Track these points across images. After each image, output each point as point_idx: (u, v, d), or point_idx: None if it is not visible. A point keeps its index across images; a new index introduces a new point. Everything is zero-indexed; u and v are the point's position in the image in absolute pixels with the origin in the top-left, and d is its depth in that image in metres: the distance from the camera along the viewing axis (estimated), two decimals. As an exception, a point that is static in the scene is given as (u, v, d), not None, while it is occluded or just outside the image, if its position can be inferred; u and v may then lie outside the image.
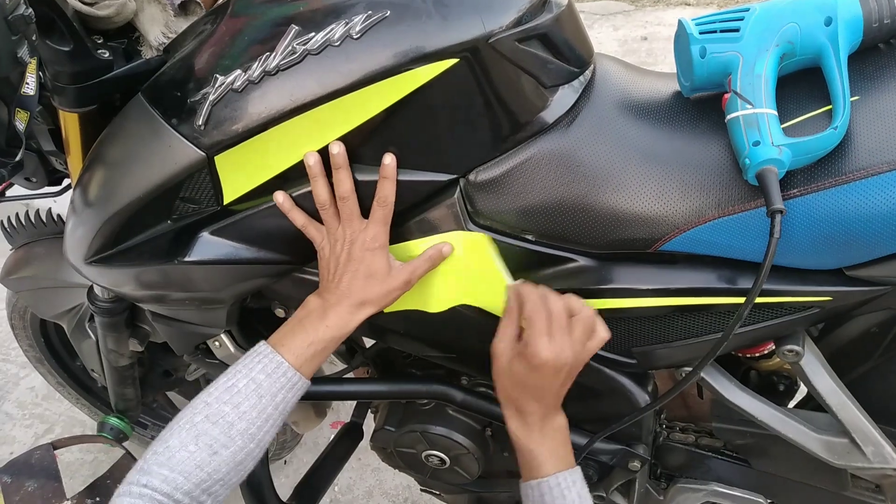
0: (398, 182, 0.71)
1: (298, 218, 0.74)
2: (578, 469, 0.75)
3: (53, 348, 1.57)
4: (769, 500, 0.97)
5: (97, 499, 1.23)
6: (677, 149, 0.70)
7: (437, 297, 0.78)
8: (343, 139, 0.68)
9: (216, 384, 0.70)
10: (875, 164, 0.62)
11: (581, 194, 0.71)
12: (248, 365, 0.71)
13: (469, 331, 0.80)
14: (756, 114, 0.64)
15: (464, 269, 0.76)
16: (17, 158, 0.74)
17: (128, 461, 1.30)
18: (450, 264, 0.75)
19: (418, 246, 0.75)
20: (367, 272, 0.73)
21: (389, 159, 0.70)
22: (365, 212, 0.73)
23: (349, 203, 0.71)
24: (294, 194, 0.73)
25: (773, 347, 0.79)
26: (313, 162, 0.69)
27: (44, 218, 1.20)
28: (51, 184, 1.02)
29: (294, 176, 0.71)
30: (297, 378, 0.71)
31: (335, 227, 0.73)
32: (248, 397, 0.69)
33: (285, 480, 1.67)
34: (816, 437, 0.83)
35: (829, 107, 0.65)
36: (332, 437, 1.18)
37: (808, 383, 0.79)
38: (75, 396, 1.65)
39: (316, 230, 0.75)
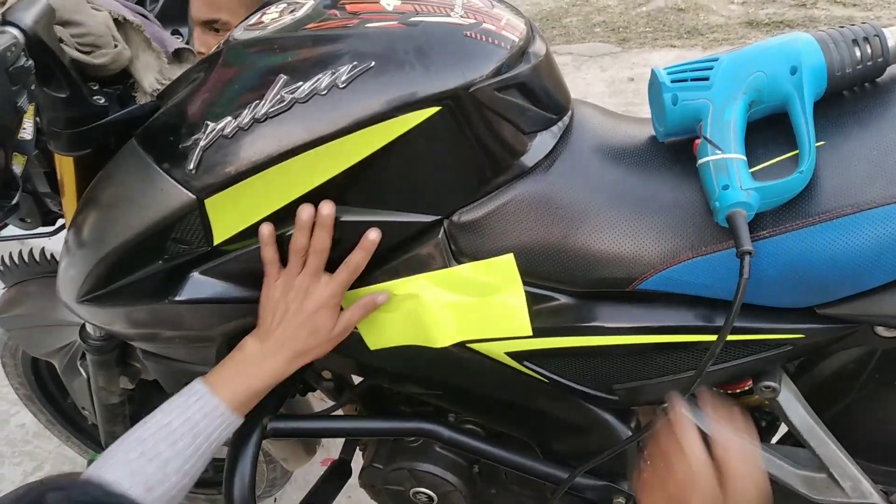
0: (384, 223, 0.73)
1: (269, 253, 0.75)
2: None
3: (44, 386, 1.57)
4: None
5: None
6: (652, 191, 0.73)
7: (443, 332, 0.79)
8: (329, 183, 0.70)
9: (150, 422, 0.73)
10: (840, 207, 0.65)
11: (560, 235, 0.73)
12: (185, 404, 0.73)
13: (461, 369, 0.82)
14: (725, 159, 0.67)
15: (478, 301, 0.77)
16: (14, 202, 0.76)
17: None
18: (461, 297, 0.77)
19: (406, 283, 0.77)
20: (314, 327, 0.76)
21: (374, 234, 0.73)
22: (337, 258, 0.74)
23: (320, 258, 0.74)
24: (280, 234, 0.74)
25: (752, 384, 0.81)
26: (305, 217, 0.71)
27: (37, 257, 1.22)
28: (45, 224, 1.04)
29: (280, 218, 0.73)
30: (233, 418, 0.75)
31: (295, 274, 0.75)
32: (183, 436, 0.71)
33: (274, 518, 1.66)
34: (796, 472, 0.84)
35: (796, 152, 0.68)
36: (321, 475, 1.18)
37: (785, 419, 0.80)
38: (65, 434, 1.64)
39: (278, 270, 0.76)
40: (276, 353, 0.76)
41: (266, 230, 0.74)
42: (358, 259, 0.74)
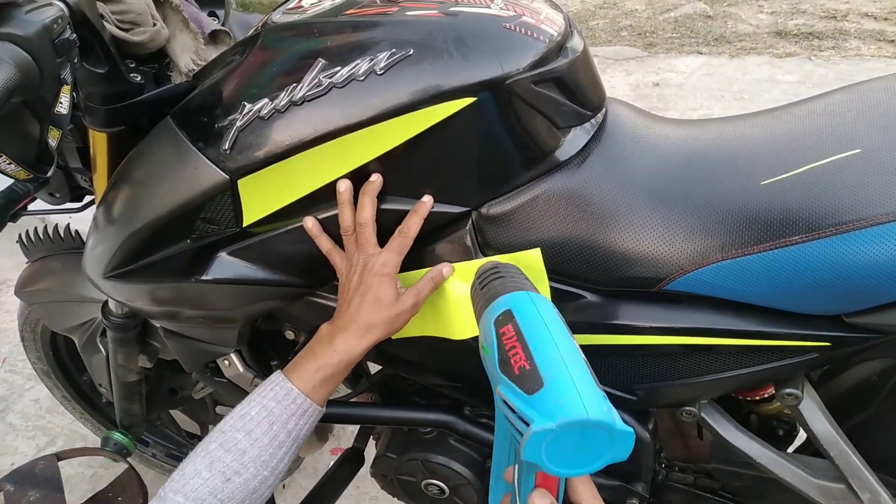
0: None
1: (325, 244, 0.76)
2: None
3: (62, 362, 1.58)
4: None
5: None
6: (683, 192, 0.72)
7: (463, 325, 0.79)
8: (361, 169, 0.71)
9: (232, 413, 0.72)
10: (875, 216, 0.64)
11: (589, 232, 0.73)
12: (261, 393, 0.72)
13: (477, 361, 0.82)
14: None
15: None
16: (48, 174, 0.77)
17: (130, 476, 1.31)
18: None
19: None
20: (375, 297, 0.74)
21: (427, 199, 0.73)
22: (383, 239, 0.75)
23: (367, 230, 0.74)
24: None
25: (773, 391, 0.81)
26: (344, 188, 0.72)
27: (61, 233, 1.23)
28: (72, 200, 1.05)
29: (312, 202, 0.73)
30: (307, 404, 0.72)
31: (353, 252, 0.75)
32: (259, 424, 0.70)
33: (282, 504, 1.67)
34: (814, 482, 0.83)
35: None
36: (332, 463, 1.18)
37: (806, 428, 0.80)
38: (79, 411, 1.65)
39: (339, 257, 0.77)
40: (343, 331, 0.74)
41: (310, 223, 0.75)
42: (412, 224, 0.73)
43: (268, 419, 0.70)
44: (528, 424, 0.47)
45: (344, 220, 0.74)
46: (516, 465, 0.56)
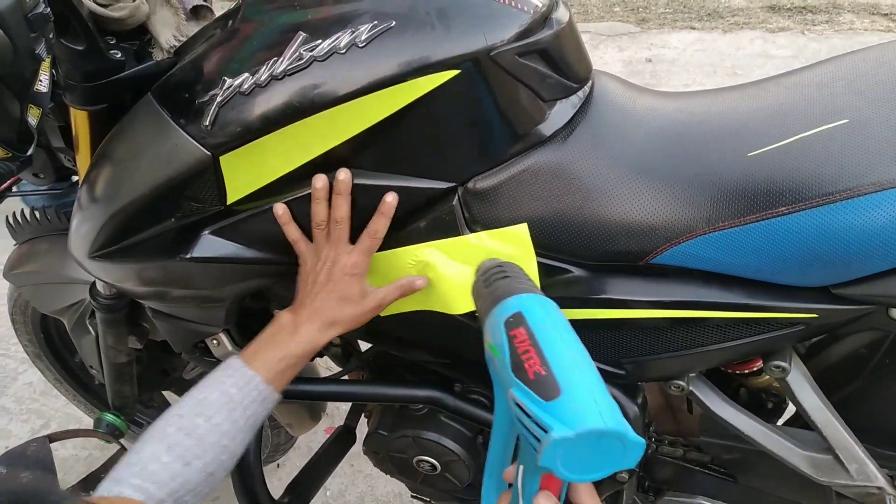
0: (399, 188, 0.73)
1: (292, 232, 0.76)
2: None
3: (53, 344, 1.58)
4: (755, 516, 0.98)
5: (90, 493, 1.24)
6: (670, 164, 0.72)
7: (461, 299, 0.78)
8: (344, 145, 0.70)
9: (188, 398, 0.72)
10: (862, 185, 0.64)
11: (575, 206, 0.72)
12: (220, 378, 0.73)
13: (469, 338, 0.82)
14: None
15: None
16: (29, 153, 0.76)
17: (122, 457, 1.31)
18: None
19: (417, 251, 0.77)
20: (342, 295, 0.76)
21: (391, 198, 0.73)
22: (357, 224, 0.75)
23: (341, 227, 0.74)
24: (292, 198, 0.74)
25: (761, 364, 0.81)
26: (320, 185, 0.72)
27: (48, 215, 1.22)
28: (57, 181, 1.04)
29: (295, 179, 0.72)
30: (268, 391, 0.74)
31: (322, 246, 0.76)
32: (219, 410, 0.70)
33: (277, 483, 1.68)
34: (802, 453, 0.84)
35: None
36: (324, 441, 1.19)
37: (794, 400, 0.80)
38: (72, 393, 1.66)
39: (306, 246, 0.77)
40: (307, 323, 0.76)
41: (280, 210, 0.74)
42: (378, 225, 0.74)
43: (227, 405, 0.71)
44: (545, 431, 0.48)
45: (317, 213, 0.74)
46: (520, 466, 0.57)
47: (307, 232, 0.77)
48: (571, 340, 0.56)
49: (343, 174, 0.72)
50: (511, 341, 0.55)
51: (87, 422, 1.78)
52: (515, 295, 0.59)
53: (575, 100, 0.76)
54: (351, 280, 0.76)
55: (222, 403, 0.71)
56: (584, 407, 0.49)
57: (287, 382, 0.77)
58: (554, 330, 0.56)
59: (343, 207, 0.73)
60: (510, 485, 0.58)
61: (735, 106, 0.76)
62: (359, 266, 0.76)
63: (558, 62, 0.72)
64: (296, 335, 0.76)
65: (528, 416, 0.51)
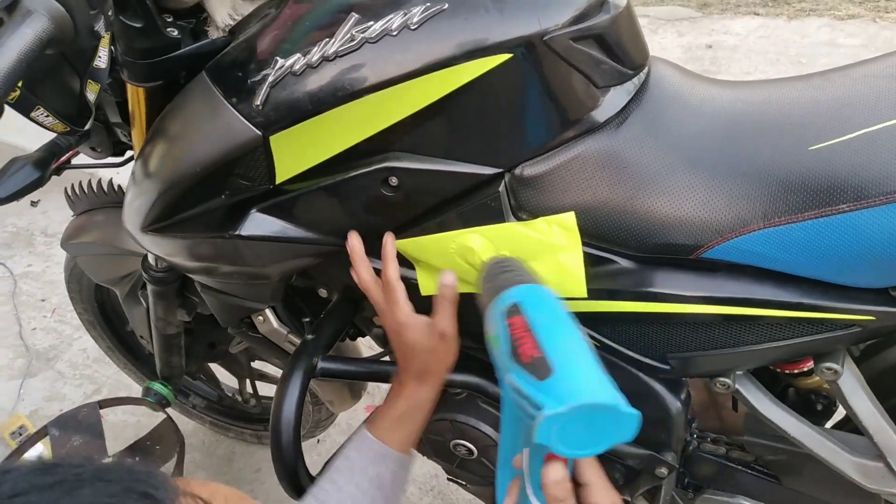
0: (446, 172, 0.72)
1: (365, 276, 0.82)
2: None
3: (106, 313, 1.63)
4: (798, 520, 0.96)
5: (136, 458, 1.28)
6: (726, 156, 0.70)
7: None
8: (393, 128, 0.70)
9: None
10: (929, 185, 0.61)
11: (626, 196, 0.71)
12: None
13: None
14: None
15: (534, 259, 0.76)
16: (87, 127, 0.78)
17: (167, 426, 1.35)
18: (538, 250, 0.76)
19: (461, 237, 0.76)
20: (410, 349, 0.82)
21: (450, 279, 0.78)
22: (405, 209, 0.76)
23: (396, 291, 0.80)
24: (339, 180, 0.74)
25: (812, 365, 0.78)
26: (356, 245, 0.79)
27: (105, 187, 1.25)
28: (114, 154, 1.06)
29: (343, 161, 0.73)
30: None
31: (381, 304, 0.82)
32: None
33: (317, 458, 1.71)
34: (851, 459, 0.81)
35: None
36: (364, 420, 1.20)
37: (845, 404, 0.78)
38: (123, 361, 1.71)
39: (376, 293, 0.83)
40: (406, 383, 0.84)
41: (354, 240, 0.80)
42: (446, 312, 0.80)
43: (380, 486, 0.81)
44: (539, 409, 0.50)
45: (366, 287, 0.81)
46: (526, 451, 0.58)
47: (348, 208, 0.78)
48: (566, 324, 0.58)
49: (389, 239, 0.78)
50: (508, 329, 0.58)
51: (136, 389, 1.84)
52: (513, 286, 0.62)
53: (630, 87, 0.74)
54: (410, 333, 0.80)
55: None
56: (576, 383, 0.51)
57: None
58: (549, 316, 0.58)
59: (393, 271, 0.79)
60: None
61: (798, 97, 0.73)
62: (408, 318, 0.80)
63: (614, 48, 0.70)
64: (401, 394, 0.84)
65: (524, 397, 0.53)
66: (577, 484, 0.59)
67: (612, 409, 0.49)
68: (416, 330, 0.80)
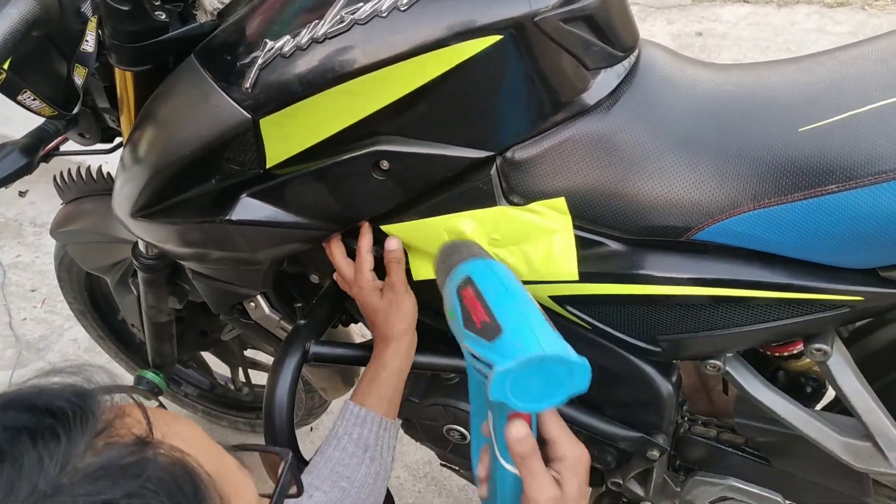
0: (436, 156, 0.72)
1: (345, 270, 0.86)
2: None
3: (96, 302, 1.62)
4: (787, 500, 0.97)
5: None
6: (716, 138, 0.70)
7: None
8: (384, 110, 0.69)
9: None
10: (917, 165, 0.61)
11: (616, 179, 0.71)
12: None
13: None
14: None
15: (526, 243, 0.76)
16: (75, 112, 0.78)
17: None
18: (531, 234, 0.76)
19: (452, 220, 0.76)
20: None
21: (394, 244, 0.81)
22: (392, 189, 0.76)
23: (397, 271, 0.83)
24: (331, 162, 0.74)
25: (802, 346, 0.79)
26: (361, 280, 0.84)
27: (94, 174, 1.24)
28: (103, 141, 1.06)
29: (333, 144, 0.72)
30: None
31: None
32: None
33: (310, 445, 1.71)
34: (839, 439, 0.82)
35: None
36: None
37: (834, 384, 0.78)
38: (114, 350, 1.70)
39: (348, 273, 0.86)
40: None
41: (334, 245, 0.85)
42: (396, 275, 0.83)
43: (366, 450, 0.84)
44: (491, 367, 0.52)
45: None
46: (490, 415, 0.60)
47: (339, 193, 0.78)
48: (514, 290, 0.60)
49: (396, 245, 0.82)
50: (461, 300, 0.61)
51: (128, 378, 1.83)
52: (464, 262, 0.65)
53: (620, 69, 0.74)
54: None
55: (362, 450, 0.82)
56: (523, 339, 0.52)
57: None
58: (497, 284, 0.61)
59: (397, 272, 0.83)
60: None
61: (787, 79, 0.74)
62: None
63: (604, 29, 0.70)
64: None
65: (478, 359, 0.55)
66: (543, 442, 0.59)
67: (561, 359, 0.51)
68: (373, 291, 0.84)
